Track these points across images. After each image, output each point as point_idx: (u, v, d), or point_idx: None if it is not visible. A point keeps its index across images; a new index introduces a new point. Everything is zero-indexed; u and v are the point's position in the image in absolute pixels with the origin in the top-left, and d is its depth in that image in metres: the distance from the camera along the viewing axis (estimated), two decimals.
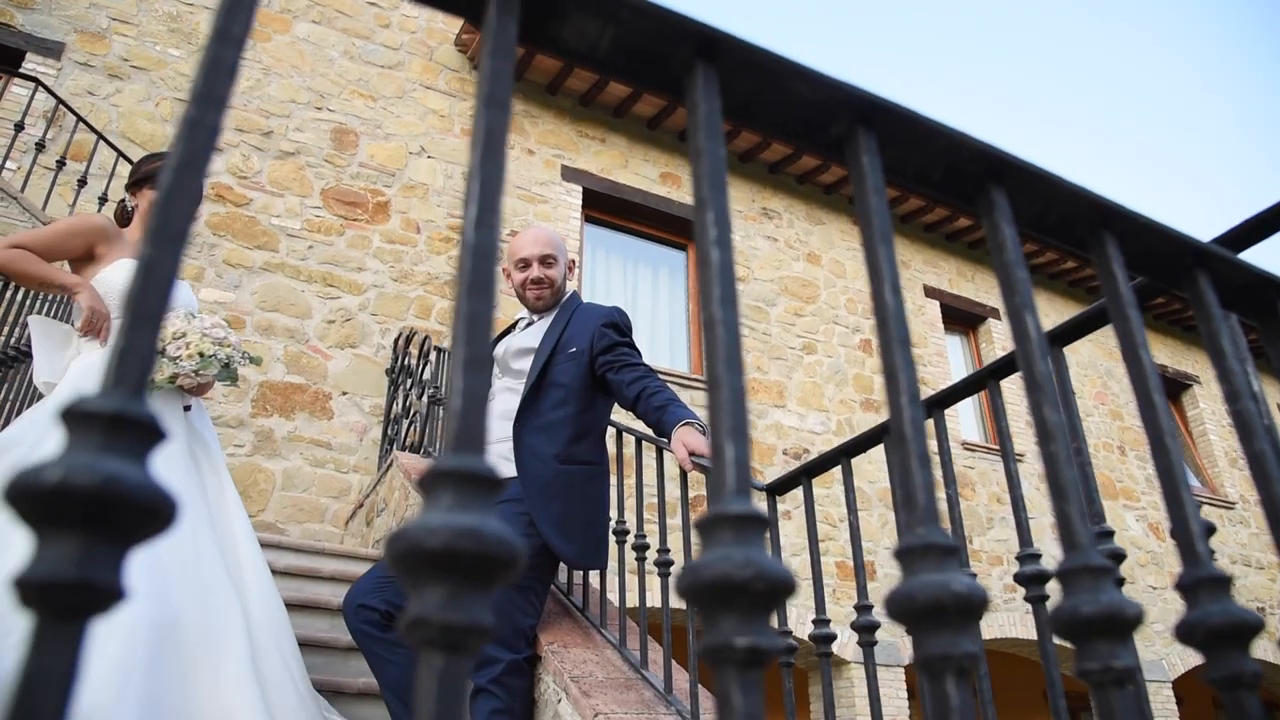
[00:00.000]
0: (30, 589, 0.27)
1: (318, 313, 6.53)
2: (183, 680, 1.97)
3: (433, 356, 5.26)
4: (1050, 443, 0.58)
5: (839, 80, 0.56)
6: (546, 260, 2.65)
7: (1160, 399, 0.67)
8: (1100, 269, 0.69)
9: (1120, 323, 0.69)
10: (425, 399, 5.11)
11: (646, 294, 8.21)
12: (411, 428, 5.27)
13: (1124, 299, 0.69)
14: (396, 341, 6.27)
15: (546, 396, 2.44)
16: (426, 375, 5.26)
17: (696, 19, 0.52)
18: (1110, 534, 1.20)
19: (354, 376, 6.45)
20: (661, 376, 2.60)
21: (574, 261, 2.77)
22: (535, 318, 2.70)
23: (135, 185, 2.62)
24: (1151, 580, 9.35)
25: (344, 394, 6.36)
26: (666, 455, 2.47)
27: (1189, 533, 0.62)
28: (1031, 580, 1.30)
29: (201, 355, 2.39)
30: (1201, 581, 0.60)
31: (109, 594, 0.28)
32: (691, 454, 2.17)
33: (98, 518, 0.28)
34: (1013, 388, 9.44)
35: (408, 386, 5.59)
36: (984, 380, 1.54)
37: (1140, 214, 0.71)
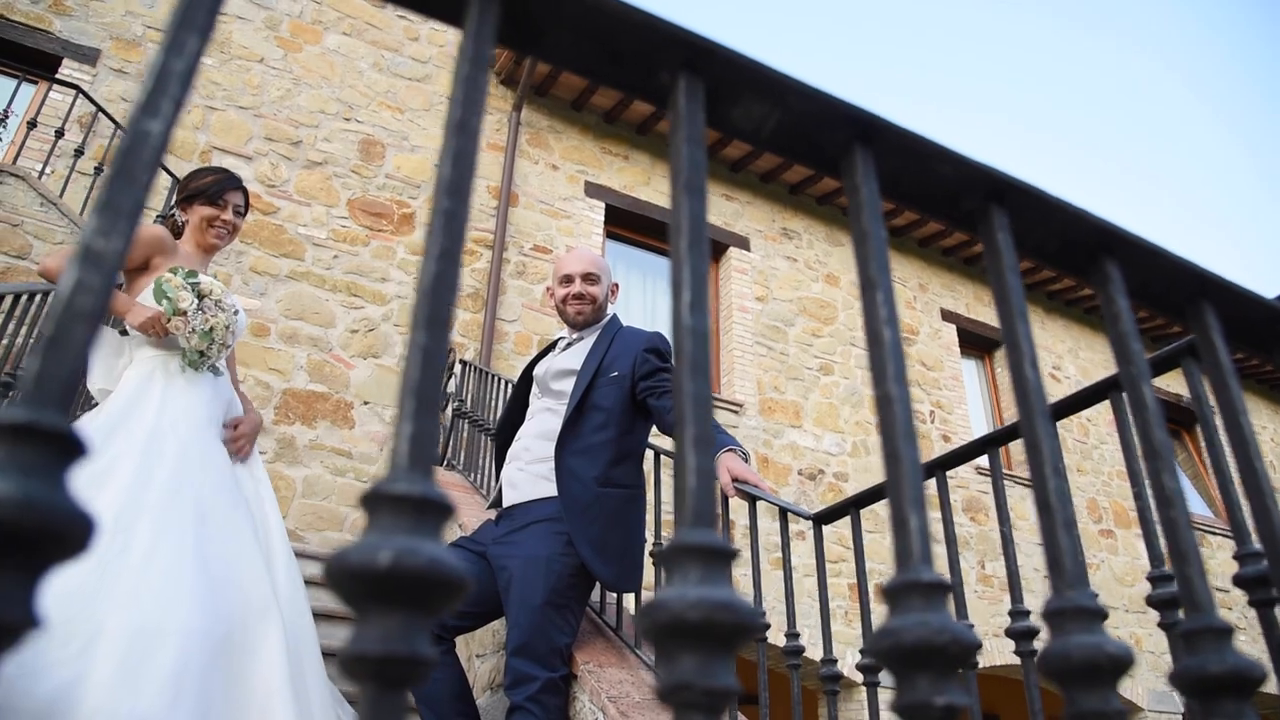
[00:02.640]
0: (366, 664, 0.30)
1: (341, 322, 6.59)
2: (230, 689, 2.00)
3: (457, 369, 5.30)
4: (1170, 509, 0.61)
5: (976, 161, 0.60)
6: (589, 278, 2.70)
7: (1260, 465, 0.70)
8: (1200, 337, 0.72)
9: (1221, 392, 0.71)
10: (450, 412, 5.15)
11: (665, 310, 8.25)
12: None
13: (1225, 368, 0.71)
14: None
15: (588, 420, 2.48)
16: (450, 388, 5.30)
17: (857, 105, 0.55)
18: (1170, 577, 1.22)
19: (376, 386, 6.50)
20: None
21: (617, 285, 2.81)
22: (575, 337, 2.74)
23: (186, 201, 2.66)
24: None
25: (365, 403, 6.40)
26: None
27: None
28: None
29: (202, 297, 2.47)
30: None
31: (427, 665, 0.31)
32: (734, 480, 2.20)
33: (420, 597, 0.31)
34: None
35: None
36: None
37: (1236, 284, 0.74)
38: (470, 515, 3.70)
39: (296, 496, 5.91)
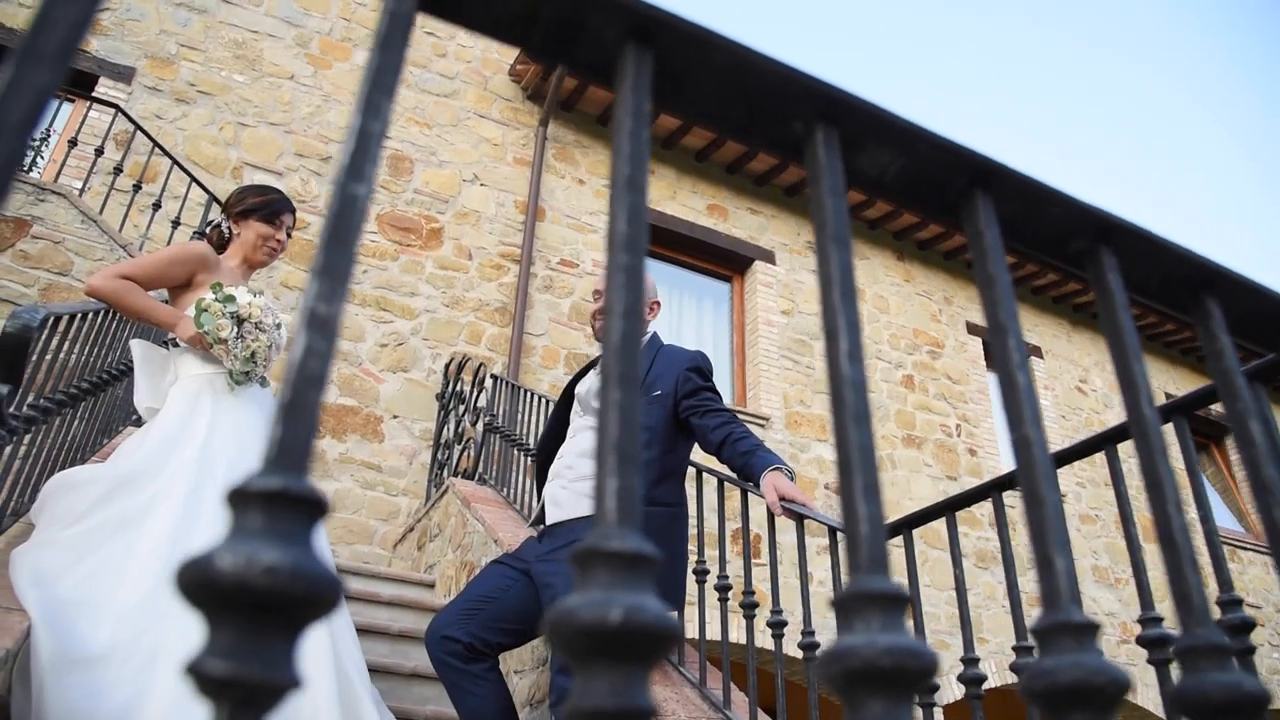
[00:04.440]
0: (601, 718, 0.32)
1: (371, 336, 6.64)
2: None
3: (488, 384, 5.33)
4: None
5: (1085, 202, 0.61)
6: None
7: None
8: None
9: None
10: (481, 426, 5.17)
11: (691, 324, 8.27)
12: (465, 453, 5.34)
13: None
14: (447, 367, 6.35)
15: None
16: (481, 402, 5.33)
17: (977, 151, 0.57)
18: (1240, 602, 1.23)
19: (405, 400, 6.54)
20: None
21: (657, 303, 2.82)
22: None
23: (242, 215, 2.69)
24: None
25: (395, 417, 6.45)
26: (751, 498, 2.50)
27: None
28: (1154, 644, 1.33)
29: (241, 321, 2.51)
30: None
31: (650, 715, 0.33)
32: (781, 499, 2.21)
33: (646, 651, 0.32)
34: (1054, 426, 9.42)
35: (460, 413, 5.66)
36: (1101, 444, 1.57)
37: None
38: (505, 530, 3.72)
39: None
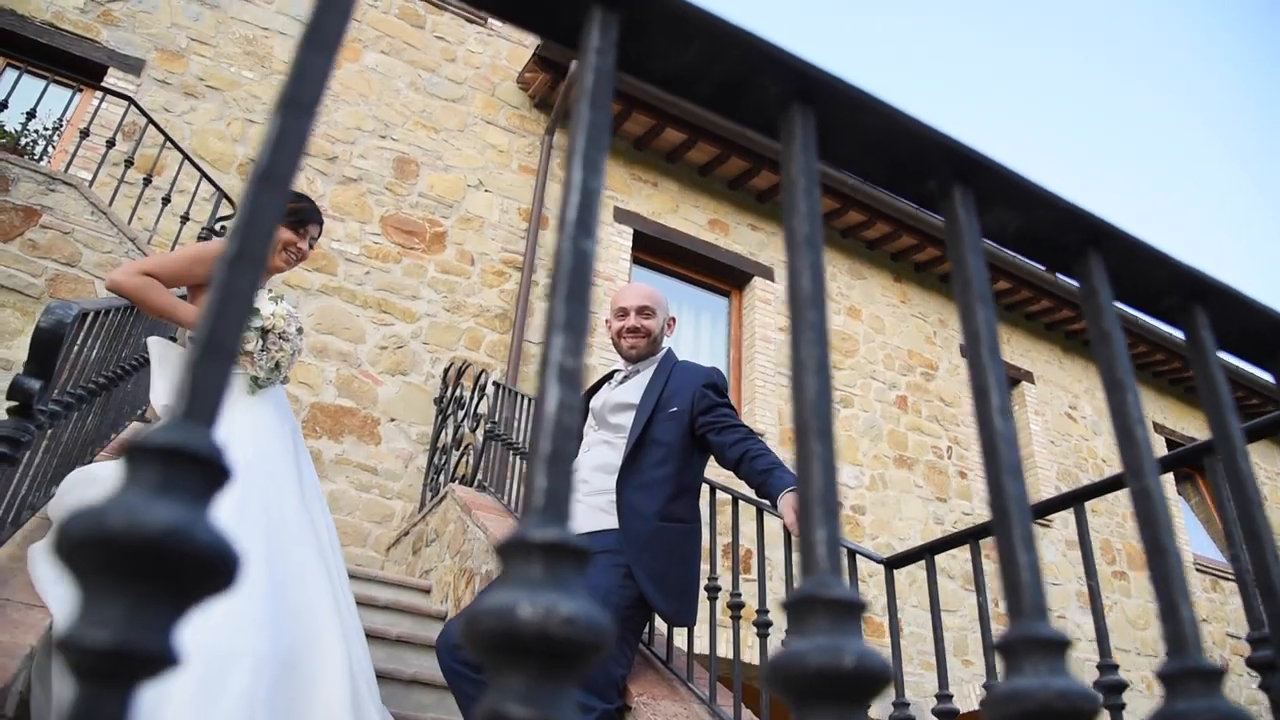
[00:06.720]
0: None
1: (371, 338, 6.65)
2: (294, 710, 2.04)
3: (489, 390, 5.34)
4: None
5: (1184, 264, 0.65)
6: (644, 311, 2.76)
7: None
8: None
9: None
10: (481, 432, 5.18)
11: (688, 337, 8.31)
12: (464, 460, 5.34)
13: None
14: (446, 372, 6.37)
15: (648, 454, 2.52)
16: (482, 409, 5.34)
17: (1091, 212, 0.60)
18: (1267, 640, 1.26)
19: (403, 404, 6.55)
20: None
21: (674, 319, 2.86)
22: (630, 370, 2.79)
23: None
24: None
25: (392, 420, 6.45)
26: (767, 516, 2.53)
27: None
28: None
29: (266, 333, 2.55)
30: None
31: None
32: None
33: (869, 693, 0.35)
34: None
35: (459, 418, 5.67)
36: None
37: None
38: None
39: None
